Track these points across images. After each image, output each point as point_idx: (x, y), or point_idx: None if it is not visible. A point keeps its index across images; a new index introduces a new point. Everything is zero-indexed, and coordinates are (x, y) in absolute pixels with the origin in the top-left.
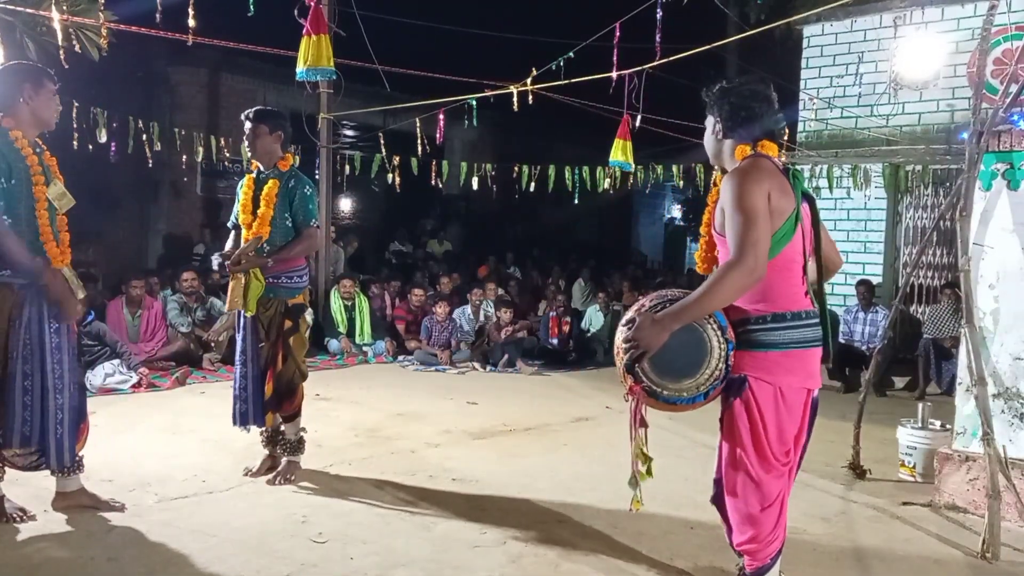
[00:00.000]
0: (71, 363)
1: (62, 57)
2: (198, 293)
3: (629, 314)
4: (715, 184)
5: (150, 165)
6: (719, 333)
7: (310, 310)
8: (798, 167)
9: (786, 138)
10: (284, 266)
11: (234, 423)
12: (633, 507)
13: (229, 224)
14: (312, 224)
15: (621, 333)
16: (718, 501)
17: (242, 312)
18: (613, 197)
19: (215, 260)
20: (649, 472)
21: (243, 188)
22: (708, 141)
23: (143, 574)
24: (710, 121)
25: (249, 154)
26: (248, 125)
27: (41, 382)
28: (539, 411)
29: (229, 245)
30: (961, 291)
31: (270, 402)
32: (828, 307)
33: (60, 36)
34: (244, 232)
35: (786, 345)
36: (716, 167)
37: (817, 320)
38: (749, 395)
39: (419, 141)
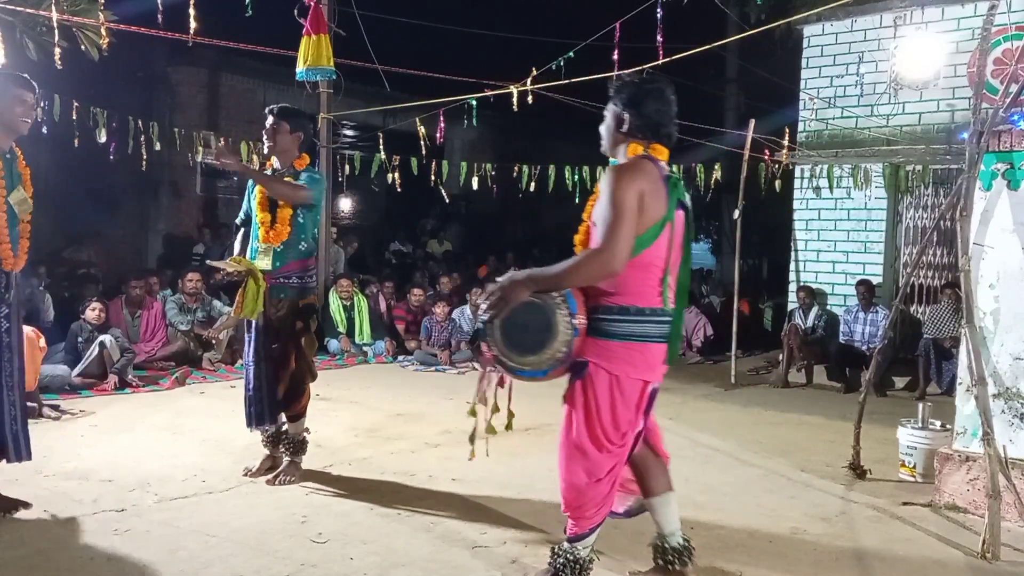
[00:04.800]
0: (21, 363)
1: (56, 55)
2: (200, 294)
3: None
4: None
5: (144, 167)
6: (568, 319)
7: None
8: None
9: (786, 138)
10: (293, 266)
11: (248, 424)
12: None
13: (238, 221)
14: (306, 186)
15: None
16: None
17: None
18: None
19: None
20: (510, 427)
21: (257, 187)
22: (607, 130)
23: (143, 574)
24: (613, 111)
25: (266, 149)
26: (270, 119)
27: None
28: (539, 411)
29: (237, 247)
30: (961, 291)
31: (280, 402)
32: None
33: (59, 36)
34: (260, 230)
35: (626, 337)
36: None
37: (666, 318)
38: (588, 379)
39: (421, 141)
